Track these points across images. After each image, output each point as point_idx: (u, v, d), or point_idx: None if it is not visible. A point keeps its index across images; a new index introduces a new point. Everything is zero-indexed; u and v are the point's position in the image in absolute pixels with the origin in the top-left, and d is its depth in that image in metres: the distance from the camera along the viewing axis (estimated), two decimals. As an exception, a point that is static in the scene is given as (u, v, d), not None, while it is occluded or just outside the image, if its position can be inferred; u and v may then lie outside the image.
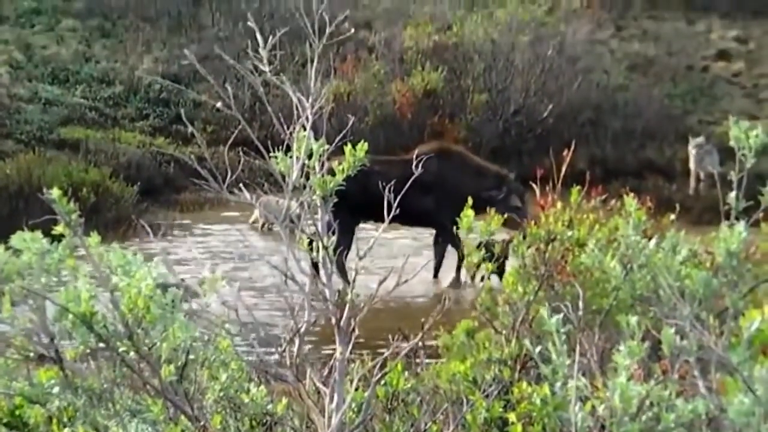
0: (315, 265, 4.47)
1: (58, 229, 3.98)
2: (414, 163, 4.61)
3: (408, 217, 15.25)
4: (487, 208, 5.73)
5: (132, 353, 3.97)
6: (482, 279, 5.71)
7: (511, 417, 4.15)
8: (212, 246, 18.19)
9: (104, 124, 24.45)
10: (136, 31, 29.25)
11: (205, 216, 20.03)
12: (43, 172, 18.37)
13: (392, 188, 4.50)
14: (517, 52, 25.46)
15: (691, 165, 22.00)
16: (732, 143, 4.30)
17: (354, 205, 11.79)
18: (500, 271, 5.57)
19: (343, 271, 12.43)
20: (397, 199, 4.33)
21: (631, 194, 4.70)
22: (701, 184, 21.81)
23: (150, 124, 24.89)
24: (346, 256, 12.26)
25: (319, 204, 4.17)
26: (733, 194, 4.23)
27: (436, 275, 16.11)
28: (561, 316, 3.66)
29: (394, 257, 13.24)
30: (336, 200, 4.24)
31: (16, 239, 4.03)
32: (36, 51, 27.69)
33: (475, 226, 5.35)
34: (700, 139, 22.04)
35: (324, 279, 4.12)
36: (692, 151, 21.91)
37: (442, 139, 20.89)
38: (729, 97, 28.14)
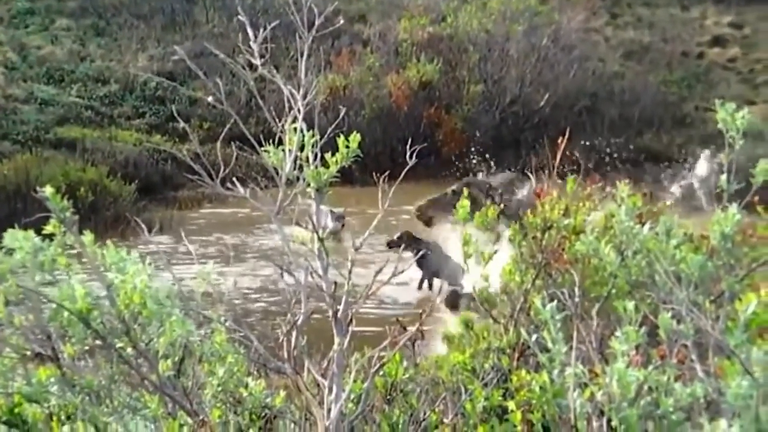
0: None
1: (49, 227, 3.96)
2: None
3: None
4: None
5: (129, 349, 3.96)
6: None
7: (511, 405, 4.15)
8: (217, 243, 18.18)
9: (100, 123, 24.49)
10: (130, 29, 29.30)
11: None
12: (41, 172, 18.36)
13: None
14: (512, 42, 25.54)
15: (695, 179, 20.20)
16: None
17: None
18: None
19: None
20: None
21: (626, 180, 4.69)
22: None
23: (146, 122, 24.94)
24: None
25: (313, 196, 4.15)
26: (723, 177, 4.23)
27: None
28: (556, 303, 3.66)
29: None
30: None
31: (8, 238, 4.02)
32: (31, 51, 27.70)
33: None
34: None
35: (320, 272, 4.11)
36: (704, 165, 20.42)
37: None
38: (725, 82, 28.23)
